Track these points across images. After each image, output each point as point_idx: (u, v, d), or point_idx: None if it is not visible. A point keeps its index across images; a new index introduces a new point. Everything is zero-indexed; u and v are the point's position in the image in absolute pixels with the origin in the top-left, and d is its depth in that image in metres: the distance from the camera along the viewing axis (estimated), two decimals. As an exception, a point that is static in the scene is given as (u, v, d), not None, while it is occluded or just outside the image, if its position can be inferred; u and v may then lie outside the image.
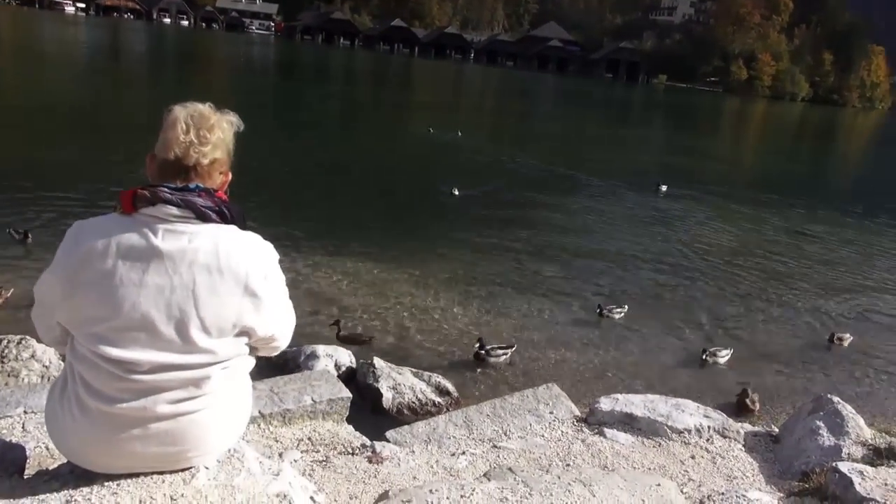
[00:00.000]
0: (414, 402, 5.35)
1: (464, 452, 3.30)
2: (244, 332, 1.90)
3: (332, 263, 8.45)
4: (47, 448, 2.91)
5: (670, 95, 78.92)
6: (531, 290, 8.44)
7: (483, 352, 6.20)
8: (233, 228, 1.88)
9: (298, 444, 3.34)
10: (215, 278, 1.81)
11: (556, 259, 9.88)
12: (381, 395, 5.30)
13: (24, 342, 5.01)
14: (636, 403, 3.87)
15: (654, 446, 3.56)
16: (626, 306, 7.73)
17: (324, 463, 3.09)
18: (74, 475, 2.04)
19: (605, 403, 3.87)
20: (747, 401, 5.87)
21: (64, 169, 11.59)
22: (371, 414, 5.04)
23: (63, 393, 1.91)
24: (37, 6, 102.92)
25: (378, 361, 5.62)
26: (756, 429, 4.07)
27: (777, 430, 4.06)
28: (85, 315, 1.83)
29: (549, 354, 6.72)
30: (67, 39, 46.79)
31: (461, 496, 2.33)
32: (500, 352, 6.30)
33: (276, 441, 3.34)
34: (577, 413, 3.92)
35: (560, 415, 3.84)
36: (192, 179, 1.87)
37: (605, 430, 3.67)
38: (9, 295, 6.29)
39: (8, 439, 3.00)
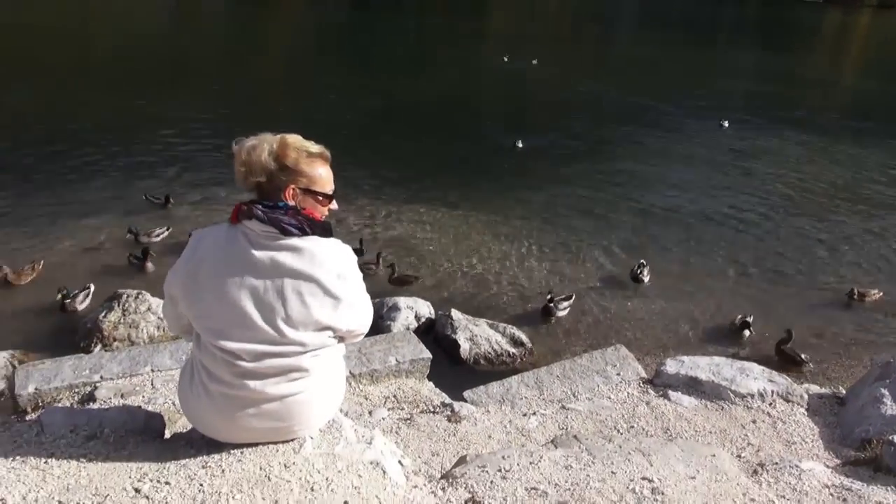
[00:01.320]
0: (490, 353, 5.69)
1: (535, 413, 3.60)
2: (326, 328, 2.22)
3: (405, 211, 8.78)
4: (174, 404, 3.40)
5: (765, 10, 73.31)
6: (596, 238, 8.49)
7: (551, 304, 6.43)
8: (314, 238, 2.18)
9: (385, 402, 3.73)
10: (299, 282, 2.14)
11: (623, 206, 9.76)
12: (458, 345, 5.66)
13: (140, 297, 5.62)
14: (702, 366, 4.05)
15: (716, 410, 3.76)
16: (646, 265, 7.40)
17: (408, 421, 3.46)
18: (205, 441, 2.46)
19: (671, 366, 4.06)
20: (785, 349, 5.91)
21: (172, 121, 12.13)
22: (449, 366, 5.41)
23: (191, 378, 2.31)
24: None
25: (455, 313, 5.96)
26: (822, 391, 4.17)
27: (844, 392, 4.15)
28: (200, 310, 2.21)
29: (617, 305, 6.88)
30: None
31: (530, 462, 2.63)
32: (565, 304, 6.52)
33: (366, 399, 3.74)
34: (644, 375, 4.14)
35: (627, 376, 4.07)
36: (277, 198, 2.19)
37: (670, 392, 3.88)
38: (41, 267, 6.55)
39: (141, 396, 3.53)
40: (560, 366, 4.13)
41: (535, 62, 21.41)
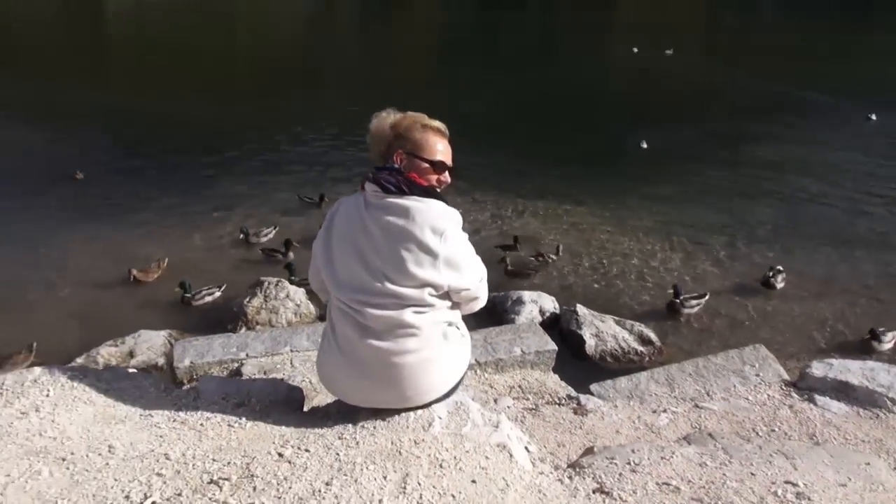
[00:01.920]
0: (616, 350, 5.55)
1: (665, 410, 3.47)
2: (426, 284, 2.27)
3: (530, 206, 8.74)
4: (311, 382, 3.60)
5: (931, -12, 65.89)
6: (729, 238, 8.01)
7: (678, 301, 6.17)
8: (414, 197, 2.28)
9: (510, 391, 3.74)
10: (396, 237, 2.24)
11: (760, 205, 9.15)
12: (583, 341, 5.57)
13: (280, 284, 5.99)
14: (853, 371, 3.73)
15: (870, 418, 3.44)
16: (781, 270, 6.83)
17: (533, 411, 3.45)
18: (341, 413, 2.59)
19: (818, 369, 3.78)
20: None
21: (315, 122, 12.75)
22: (574, 362, 5.33)
23: (325, 338, 2.46)
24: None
25: (581, 309, 5.86)
26: None
27: None
28: (328, 266, 2.39)
29: (752, 306, 6.48)
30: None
31: (661, 457, 2.54)
32: (694, 302, 6.22)
33: (491, 387, 3.77)
34: (786, 377, 3.88)
35: (767, 378, 3.83)
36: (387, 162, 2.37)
37: (816, 396, 3.60)
38: (164, 265, 6.93)
39: (281, 374, 3.76)
40: (693, 363, 3.95)
41: (669, 52, 20.55)
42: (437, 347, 2.35)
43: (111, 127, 12.45)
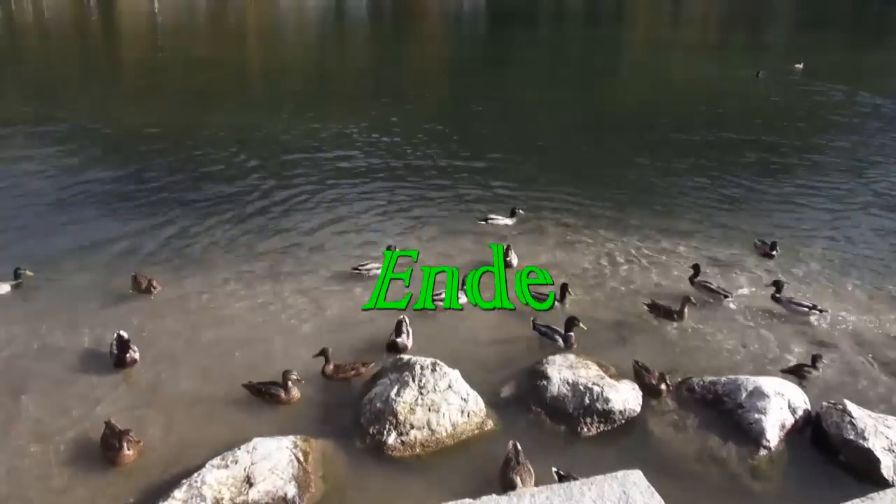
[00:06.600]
0: (926, 473, 3.91)
1: None
2: None
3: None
4: None
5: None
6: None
7: None
8: None
9: None
10: None
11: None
12: (873, 458, 3.94)
13: (437, 368, 4.32)
14: None
15: None
16: None
17: None
18: None
19: None
20: None
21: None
22: (867, 489, 3.61)
23: None
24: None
25: (853, 408, 4.24)
26: None
27: None
28: None
29: None
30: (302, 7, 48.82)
31: None
32: None
33: None
34: None
35: None
36: None
37: None
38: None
39: None
40: None
41: (799, 66, 19.62)
42: None
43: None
